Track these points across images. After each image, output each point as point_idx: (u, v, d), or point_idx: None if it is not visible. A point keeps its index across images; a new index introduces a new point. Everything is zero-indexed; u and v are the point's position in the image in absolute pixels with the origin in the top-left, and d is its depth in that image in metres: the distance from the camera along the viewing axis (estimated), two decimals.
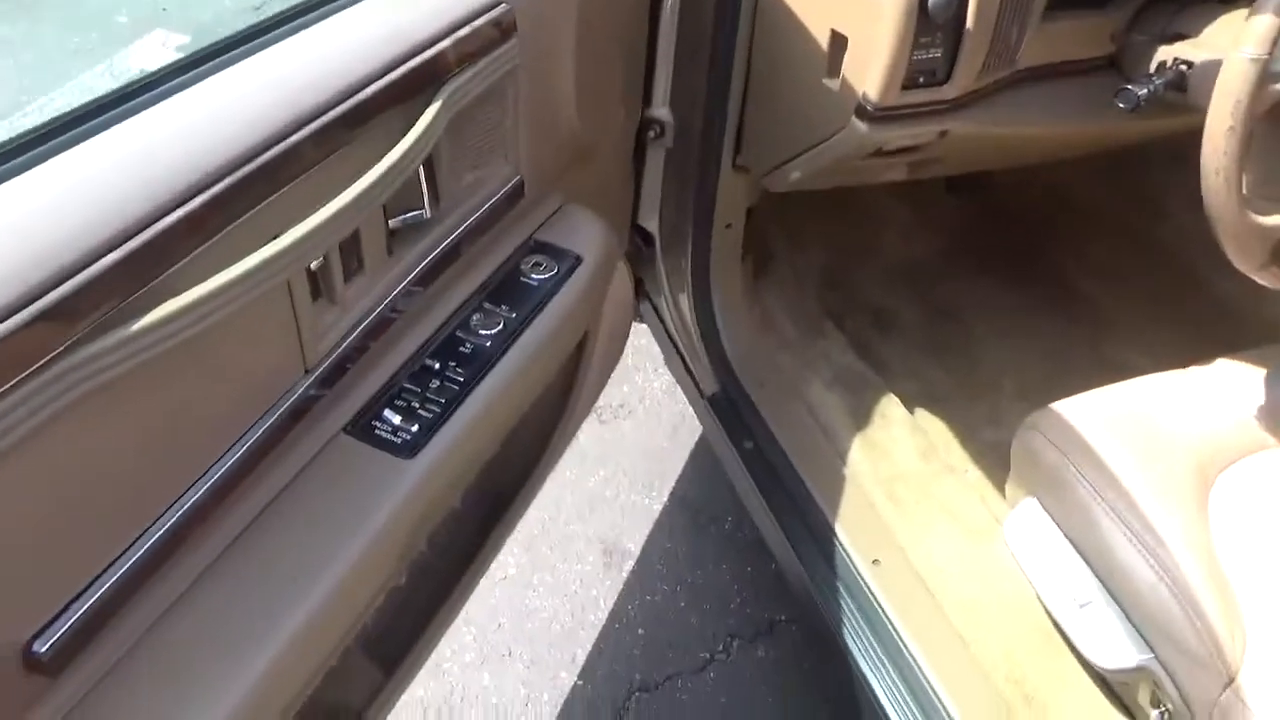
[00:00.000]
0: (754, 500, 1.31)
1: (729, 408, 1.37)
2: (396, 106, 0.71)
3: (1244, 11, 0.91)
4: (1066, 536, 1.06)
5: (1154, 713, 0.99)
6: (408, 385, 0.77)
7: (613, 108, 1.12)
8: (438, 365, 0.79)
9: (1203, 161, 0.94)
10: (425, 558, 0.84)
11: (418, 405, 0.75)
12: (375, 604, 0.72)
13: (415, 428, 0.73)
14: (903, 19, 0.96)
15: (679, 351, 1.45)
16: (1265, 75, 0.89)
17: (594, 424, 1.78)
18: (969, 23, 0.99)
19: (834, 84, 1.07)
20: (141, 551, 0.58)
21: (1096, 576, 1.03)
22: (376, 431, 0.73)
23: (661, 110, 1.24)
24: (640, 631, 1.50)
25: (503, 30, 0.81)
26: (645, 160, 1.29)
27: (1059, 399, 1.13)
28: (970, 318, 1.64)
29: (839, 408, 1.36)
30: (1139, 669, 0.99)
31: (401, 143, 0.69)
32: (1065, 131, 1.20)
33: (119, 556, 0.58)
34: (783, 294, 1.52)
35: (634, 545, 1.61)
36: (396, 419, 0.74)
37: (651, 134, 1.26)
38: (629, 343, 1.82)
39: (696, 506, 1.68)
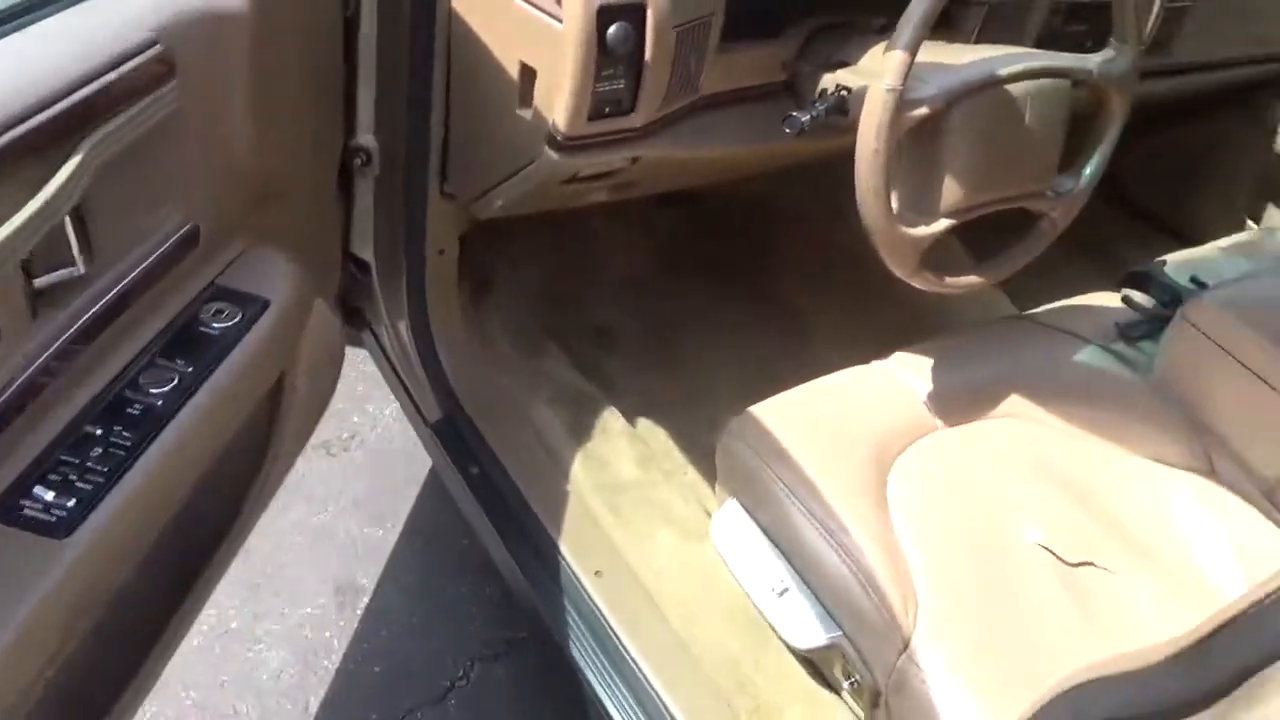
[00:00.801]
0: (481, 524, 1.31)
1: (453, 433, 1.37)
2: (33, 157, 0.66)
3: None
4: (765, 532, 1.15)
5: (846, 683, 1.09)
6: (65, 457, 0.71)
7: (303, 142, 1.09)
8: (100, 431, 0.73)
9: (856, 180, 1.04)
10: (109, 629, 0.78)
11: (75, 478, 0.69)
12: (32, 698, 0.66)
13: (71, 503, 0.68)
14: (582, 52, 1.00)
15: (401, 379, 1.44)
16: (901, 103, 1.00)
17: (322, 458, 1.72)
18: (648, 55, 1.04)
19: (527, 114, 1.10)
20: None
21: (792, 566, 1.12)
22: (25, 511, 0.67)
23: (366, 138, 1.22)
24: (376, 669, 1.47)
25: (159, 72, 0.77)
26: (354, 189, 1.27)
27: (769, 398, 1.22)
28: (687, 328, 1.72)
29: (561, 425, 1.40)
30: (830, 646, 1.08)
31: (35, 199, 0.64)
32: (749, 152, 1.29)
33: None
34: (503, 316, 1.54)
35: (368, 580, 1.57)
36: (49, 495, 0.68)
37: (358, 162, 1.24)
38: (358, 372, 1.79)
39: (431, 533, 1.66)
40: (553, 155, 1.08)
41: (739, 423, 1.19)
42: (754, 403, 1.22)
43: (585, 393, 1.47)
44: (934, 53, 1.09)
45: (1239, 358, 1.26)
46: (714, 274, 1.83)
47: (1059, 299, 1.50)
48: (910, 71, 0.99)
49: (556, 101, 1.04)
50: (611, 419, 1.43)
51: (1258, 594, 0.51)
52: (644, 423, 1.49)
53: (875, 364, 1.33)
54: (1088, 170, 1.21)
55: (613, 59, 1.02)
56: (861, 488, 1.13)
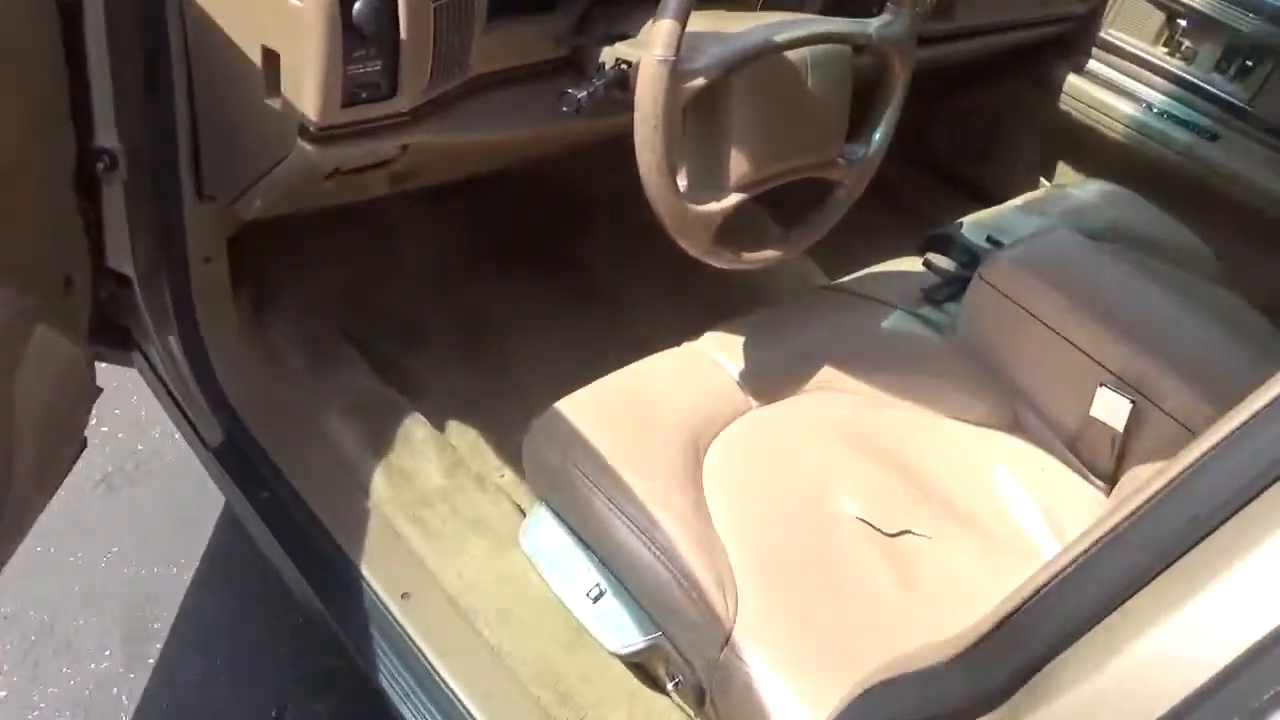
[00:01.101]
0: (276, 554, 1.21)
1: (237, 457, 1.25)
2: None
3: None
4: (575, 534, 1.09)
5: (671, 684, 1.05)
6: None
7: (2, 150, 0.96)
8: None
9: (638, 159, 0.99)
10: None
11: None
12: None
13: None
14: (325, 32, 0.91)
15: (176, 401, 1.31)
16: (675, 75, 0.95)
17: (103, 494, 1.56)
18: (403, 33, 0.96)
19: (276, 103, 0.99)
20: None
21: (605, 568, 1.06)
22: None
23: (108, 139, 1.09)
24: None
25: None
26: (101, 197, 1.13)
27: (575, 392, 1.16)
28: (500, 318, 1.65)
29: (359, 437, 1.30)
30: (651, 647, 1.03)
31: None
32: (537, 134, 1.22)
33: None
34: (291, 324, 1.42)
35: (161, 625, 1.43)
36: None
37: (101, 165, 1.10)
38: (140, 396, 1.63)
39: (229, 567, 1.53)
40: (307, 148, 0.98)
41: (543, 421, 1.12)
42: (573, 390, 1.16)
43: (386, 399, 1.37)
44: (713, 21, 1.05)
45: (1033, 312, 1.28)
46: (527, 260, 1.76)
47: (874, 265, 1.50)
48: (682, 41, 0.94)
49: (304, 88, 0.94)
50: (415, 425, 1.34)
51: (1027, 590, 0.49)
52: (453, 424, 1.41)
53: (686, 345, 1.29)
54: (876, 136, 1.20)
55: (363, 39, 0.93)
56: (674, 477, 1.08)
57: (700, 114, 1.02)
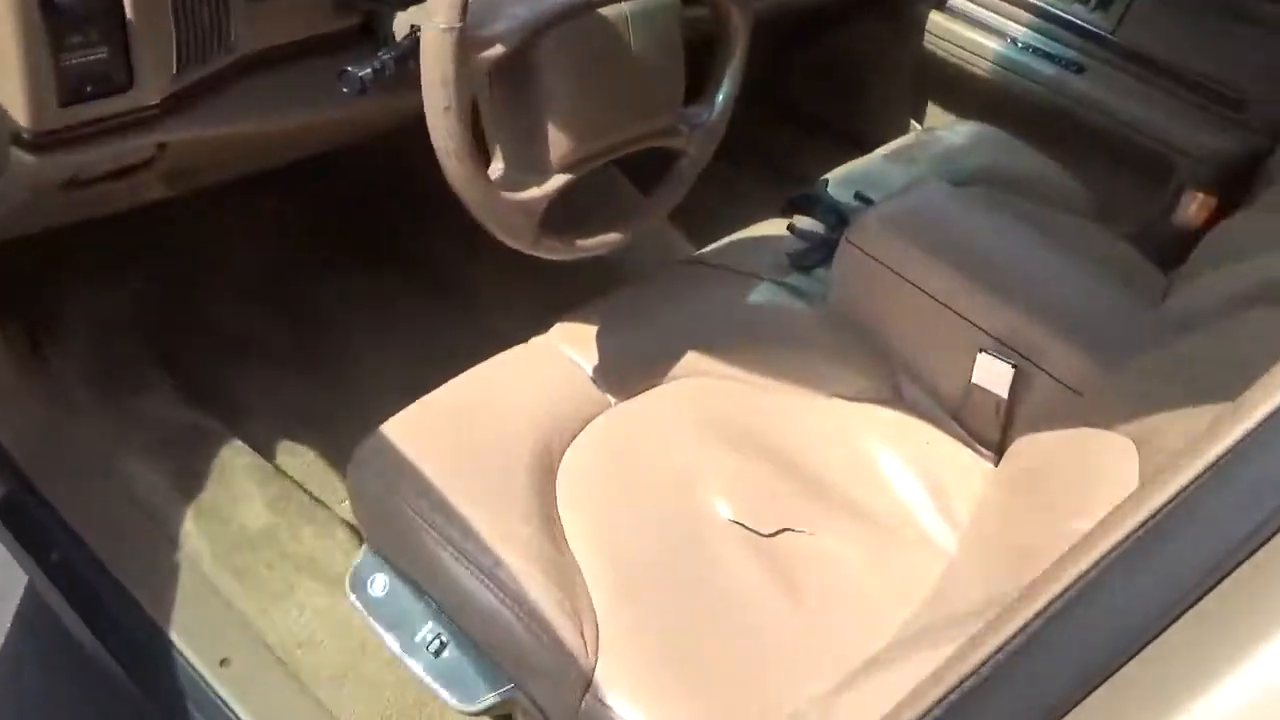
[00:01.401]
0: (72, 621, 1.04)
1: (20, 515, 1.08)
2: None
3: None
4: (407, 579, 0.95)
5: None
6: None
7: None
8: None
9: (435, 147, 0.84)
10: None
11: None
12: None
13: None
14: (19, 17, 0.73)
15: None
16: (465, 43, 0.80)
17: None
18: (129, 11, 0.79)
19: None
20: None
21: (445, 615, 0.94)
22: None
23: None
24: None
25: None
26: None
27: (404, 409, 1.02)
28: (339, 323, 1.48)
29: (166, 477, 1.13)
30: (505, 701, 0.91)
31: None
32: (329, 121, 1.06)
33: None
34: (80, 357, 1.23)
35: None
36: None
37: None
38: None
39: (41, 624, 1.33)
40: (26, 158, 0.81)
41: (365, 450, 0.98)
42: (424, 391, 1.03)
43: (200, 429, 1.20)
44: None
45: (906, 275, 1.19)
46: (366, 254, 1.59)
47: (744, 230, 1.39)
48: (469, 4, 0.79)
49: (6, 87, 0.76)
50: (235, 456, 1.17)
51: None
52: (285, 448, 1.25)
53: (534, 341, 1.16)
54: (720, 97, 1.08)
55: (78, 22, 0.76)
56: (519, 500, 0.96)
57: (507, 87, 0.88)
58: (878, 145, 1.65)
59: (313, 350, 1.40)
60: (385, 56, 0.91)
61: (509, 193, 0.89)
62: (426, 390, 1.04)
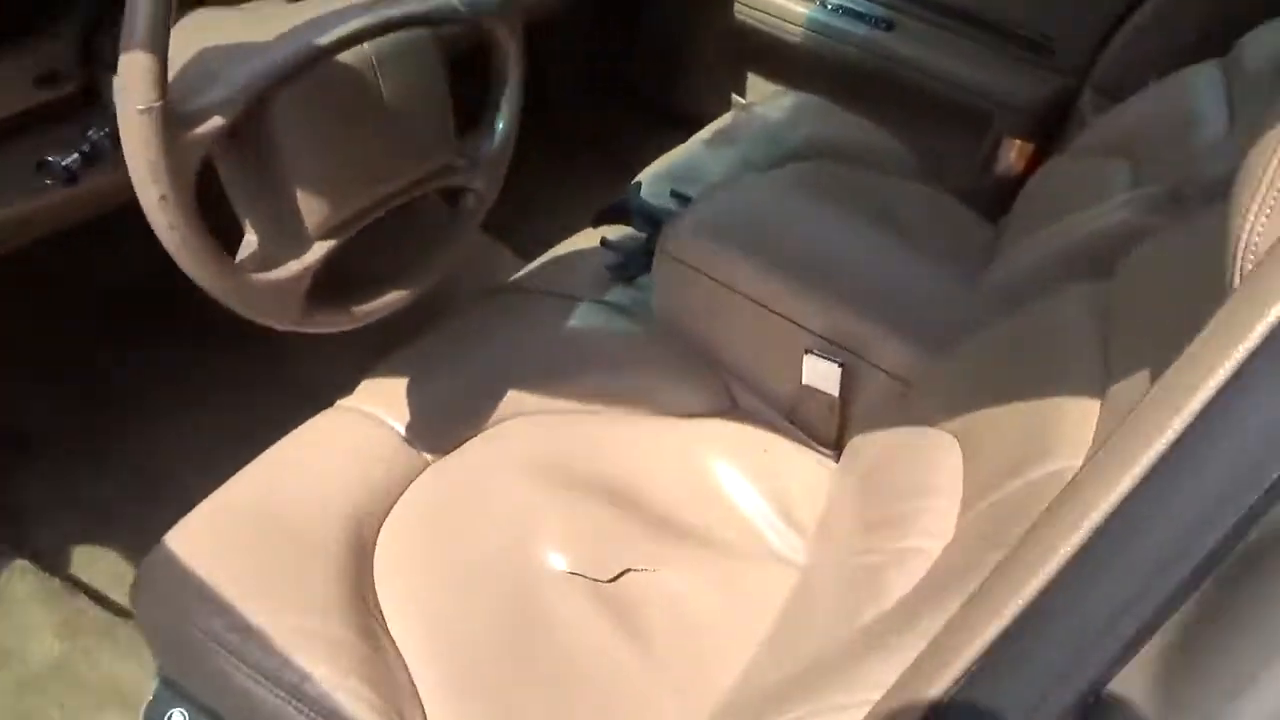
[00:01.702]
0: None
1: None
2: None
3: None
4: (207, 710, 0.86)
5: None
6: None
7: None
8: None
9: (162, 241, 0.74)
10: None
11: None
12: None
13: None
14: None
15: None
16: (171, 122, 0.70)
17: None
18: None
19: None
20: None
21: None
22: None
23: None
24: None
25: None
26: None
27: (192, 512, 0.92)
28: (132, 395, 1.33)
29: None
30: None
31: None
32: (40, 212, 0.91)
33: None
34: None
35: None
36: None
37: None
38: None
39: None
40: None
41: (147, 569, 0.88)
42: (232, 473, 0.93)
43: None
44: (220, 26, 0.79)
45: (724, 281, 1.14)
46: (151, 310, 1.41)
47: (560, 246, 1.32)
48: (170, 75, 0.69)
49: None
50: (14, 579, 1.05)
51: None
52: (78, 558, 1.12)
53: (338, 405, 1.07)
54: (500, 125, 1.00)
55: None
56: (332, 596, 0.87)
57: (241, 159, 0.78)
58: (707, 120, 1.59)
59: (105, 435, 1.27)
60: (95, 136, 0.79)
61: (262, 273, 0.80)
62: (237, 467, 0.94)
